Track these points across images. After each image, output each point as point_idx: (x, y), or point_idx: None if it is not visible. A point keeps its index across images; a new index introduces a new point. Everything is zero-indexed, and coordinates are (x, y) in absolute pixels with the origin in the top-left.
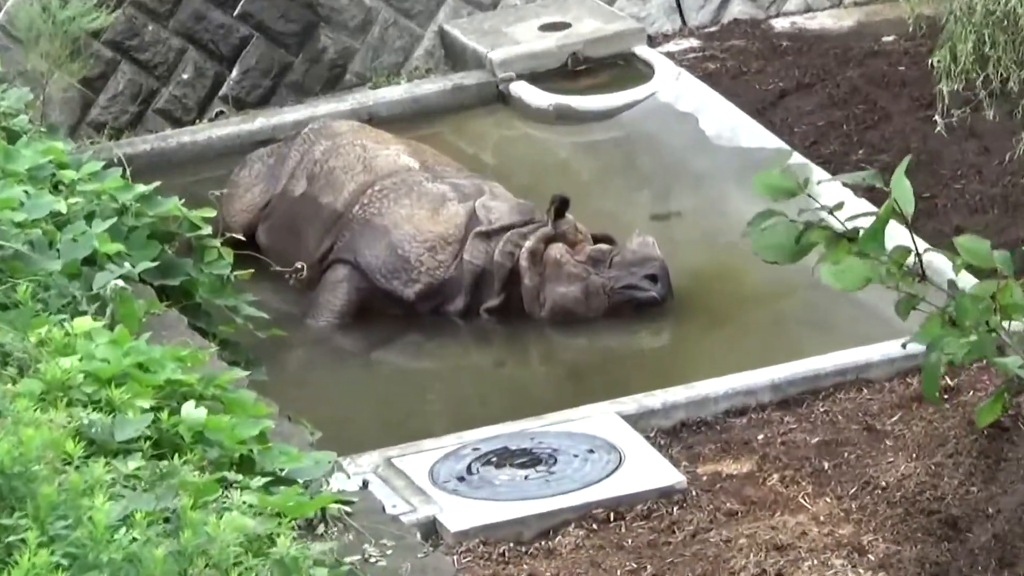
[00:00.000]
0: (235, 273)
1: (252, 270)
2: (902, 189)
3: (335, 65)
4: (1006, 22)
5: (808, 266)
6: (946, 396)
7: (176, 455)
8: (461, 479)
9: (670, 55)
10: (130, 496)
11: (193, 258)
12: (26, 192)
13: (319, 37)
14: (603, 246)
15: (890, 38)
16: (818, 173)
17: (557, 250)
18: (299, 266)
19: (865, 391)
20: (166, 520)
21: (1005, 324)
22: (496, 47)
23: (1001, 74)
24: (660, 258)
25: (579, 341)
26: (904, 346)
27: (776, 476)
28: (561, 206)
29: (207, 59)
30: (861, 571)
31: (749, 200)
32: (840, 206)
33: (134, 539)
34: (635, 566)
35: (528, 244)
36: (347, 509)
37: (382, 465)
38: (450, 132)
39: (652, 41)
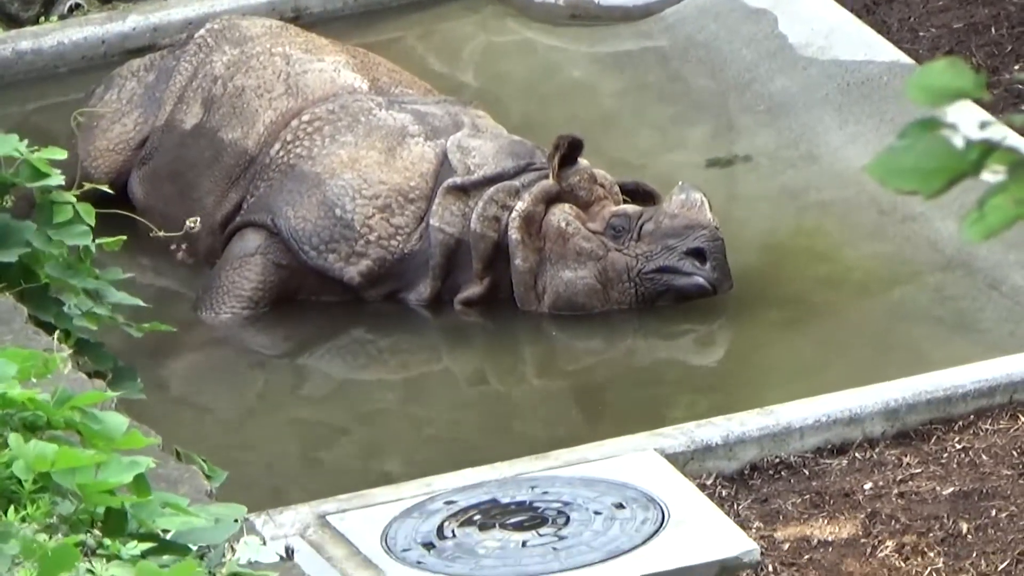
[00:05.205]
0: (98, 242)
1: (123, 237)
2: None
3: None
4: None
5: (941, 239)
6: None
7: (11, 508)
8: (429, 546)
9: None
10: None
11: (36, 220)
12: None
13: None
14: (629, 208)
15: None
16: None
17: (562, 215)
18: (191, 224)
19: (1022, 420)
20: None
21: None
22: None
23: None
24: (711, 224)
25: (594, 344)
26: None
27: (891, 543)
28: (570, 150)
29: None
30: None
31: (850, 137)
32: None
33: None
34: None
35: (521, 206)
36: None
37: (313, 525)
38: (415, 37)
39: None
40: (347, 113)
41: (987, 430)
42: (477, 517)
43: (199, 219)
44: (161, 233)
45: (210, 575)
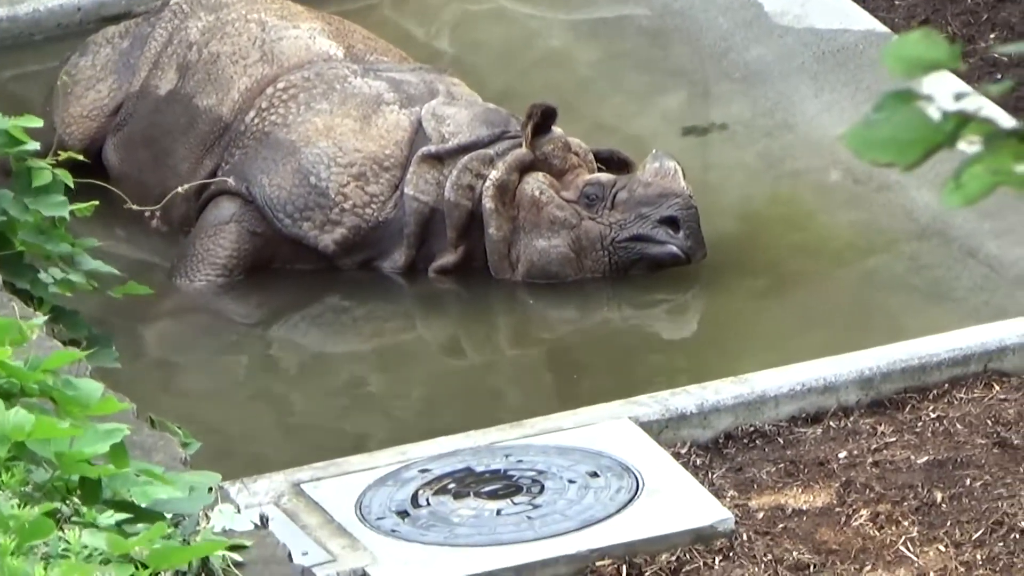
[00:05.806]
0: (71, 208)
1: (96, 202)
2: None
3: None
4: None
5: (916, 207)
6: None
7: None
8: (403, 515)
9: None
10: None
11: (13, 188)
12: None
13: None
14: (603, 176)
15: None
16: None
17: (535, 184)
18: (181, 191)
19: (997, 388)
20: None
21: None
22: None
23: None
24: (684, 193)
25: (568, 312)
26: None
27: (865, 512)
28: (543, 118)
29: None
30: None
31: (826, 106)
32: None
33: None
34: None
35: (494, 175)
36: (237, 558)
37: (288, 493)
38: (390, 5)
39: None
40: (322, 80)
41: (961, 399)
42: (451, 485)
43: (179, 186)
44: (134, 206)
45: (184, 543)
